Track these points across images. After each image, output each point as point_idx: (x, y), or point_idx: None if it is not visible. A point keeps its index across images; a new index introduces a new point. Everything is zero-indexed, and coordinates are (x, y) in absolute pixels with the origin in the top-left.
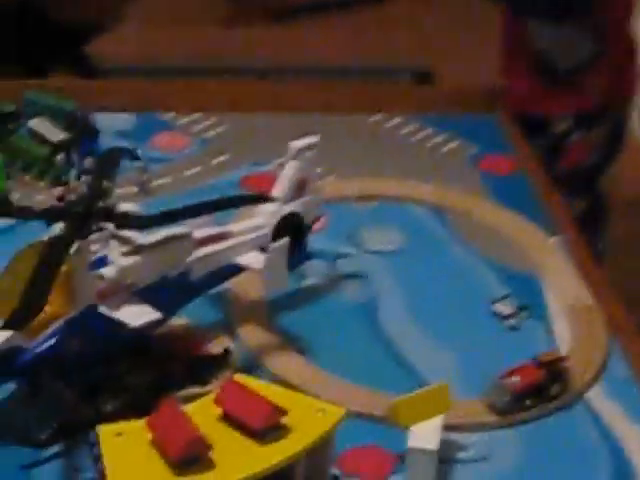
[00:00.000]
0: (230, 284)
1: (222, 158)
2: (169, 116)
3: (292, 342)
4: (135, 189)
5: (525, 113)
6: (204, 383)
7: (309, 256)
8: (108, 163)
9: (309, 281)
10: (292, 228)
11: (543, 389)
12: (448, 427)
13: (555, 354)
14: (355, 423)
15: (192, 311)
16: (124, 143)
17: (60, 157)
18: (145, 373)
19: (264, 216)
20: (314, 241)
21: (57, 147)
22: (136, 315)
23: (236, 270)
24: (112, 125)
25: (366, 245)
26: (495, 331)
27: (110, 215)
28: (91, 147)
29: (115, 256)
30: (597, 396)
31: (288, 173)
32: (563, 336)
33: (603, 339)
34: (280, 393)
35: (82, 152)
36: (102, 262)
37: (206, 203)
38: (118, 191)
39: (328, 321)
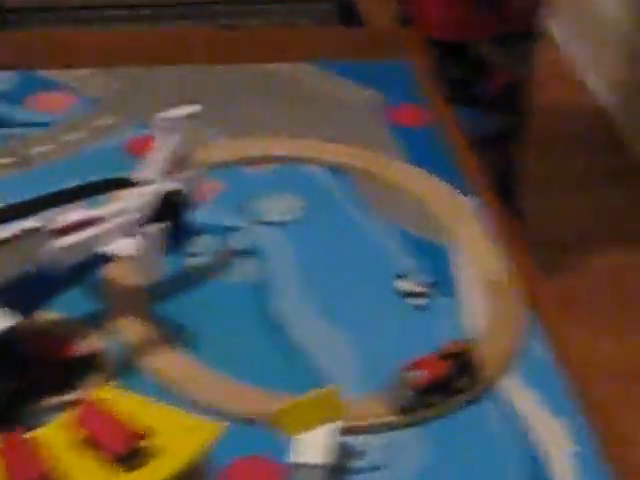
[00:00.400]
0: (105, 272)
1: (107, 119)
2: (52, 73)
3: (175, 336)
4: (11, 160)
5: (443, 41)
6: (74, 389)
7: (194, 231)
8: None
9: (195, 261)
10: (170, 206)
11: (450, 382)
12: (343, 429)
13: (463, 343)
14: (239, 430)
15: (60, 305)
16: None
17: None
18: (5, 381)
19: (136, 198)
20: (200, 213)
21: None
22: None
23: (106, 259)
24: None
25: (259, 216)
26: (400, 312)
27: None
28: None
29: None
30: (513, 386)
31: (160, 150)
32: (476, 316)
33: (521, 318)
34: (148, 408)
35: None
36: None
37: (59, 193)
38: None
39: (216, 308)
